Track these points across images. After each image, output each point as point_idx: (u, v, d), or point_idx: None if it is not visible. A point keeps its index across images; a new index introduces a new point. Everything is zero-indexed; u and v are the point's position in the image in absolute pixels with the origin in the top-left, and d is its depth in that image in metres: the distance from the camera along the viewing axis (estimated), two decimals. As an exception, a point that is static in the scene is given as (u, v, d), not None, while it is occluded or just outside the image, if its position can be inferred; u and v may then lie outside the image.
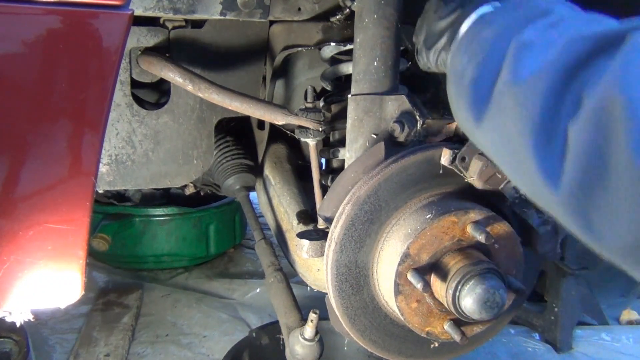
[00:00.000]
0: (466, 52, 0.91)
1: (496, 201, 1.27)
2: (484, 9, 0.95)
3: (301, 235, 1.37)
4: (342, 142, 1.45)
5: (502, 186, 1.21)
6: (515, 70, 0.76)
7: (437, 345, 1.33)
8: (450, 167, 1.20)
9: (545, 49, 0.74)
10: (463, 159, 1.19)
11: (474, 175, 1.19)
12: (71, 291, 1.17)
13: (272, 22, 1.71)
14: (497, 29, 0.87)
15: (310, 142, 1.42)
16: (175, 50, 1.63)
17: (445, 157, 1.20)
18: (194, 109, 1.72)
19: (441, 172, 1.23)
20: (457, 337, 1.18)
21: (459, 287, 1.11)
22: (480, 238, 1.12)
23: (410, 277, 1.15)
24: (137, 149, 1.68)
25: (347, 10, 1.45)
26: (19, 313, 1.16)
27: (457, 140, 1.27)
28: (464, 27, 0.97)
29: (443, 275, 1.15)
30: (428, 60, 1.12)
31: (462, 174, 1.20)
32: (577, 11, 0.83)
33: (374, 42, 1.25)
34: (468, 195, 1.24)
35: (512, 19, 0.87)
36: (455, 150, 1.19)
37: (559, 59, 0.71)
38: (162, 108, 1.69)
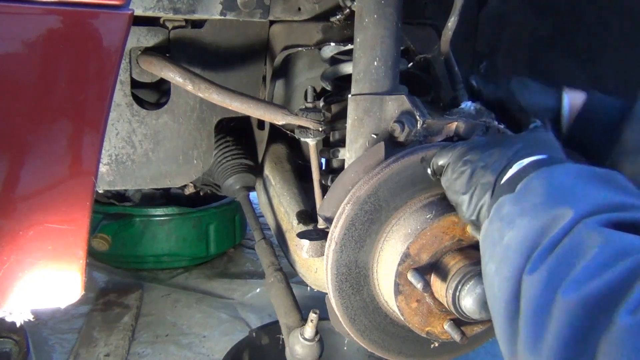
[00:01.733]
0: None
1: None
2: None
3: (301, 235, 1.37)
4: (342, 142, 1.45)
5: None
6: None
7: (437, 345, 1.33)
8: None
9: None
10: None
11: None
12: (71, 291, 1.17)
13: (272, 22, 1.71)
14: None
15: (310, 142, 1.41)
16: (175, 50, 1.63)
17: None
18: (194, 109, 1.72)
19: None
20: (457, 337, 1.18)
21: (459, 287, 1.11)
22: (481, 238, 1.12)
23: (410, 277, 1.14)
24: (137, 149, 1.68)
25: (347, 10, 1.45)
26: (19, 313, 1.16)
27: (458, 140, 1.27)
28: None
29: (443, 275, 1.15)
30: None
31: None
32: None
33: (374, 42, 1.25)
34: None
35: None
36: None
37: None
38: (162, 108, 1.69)
